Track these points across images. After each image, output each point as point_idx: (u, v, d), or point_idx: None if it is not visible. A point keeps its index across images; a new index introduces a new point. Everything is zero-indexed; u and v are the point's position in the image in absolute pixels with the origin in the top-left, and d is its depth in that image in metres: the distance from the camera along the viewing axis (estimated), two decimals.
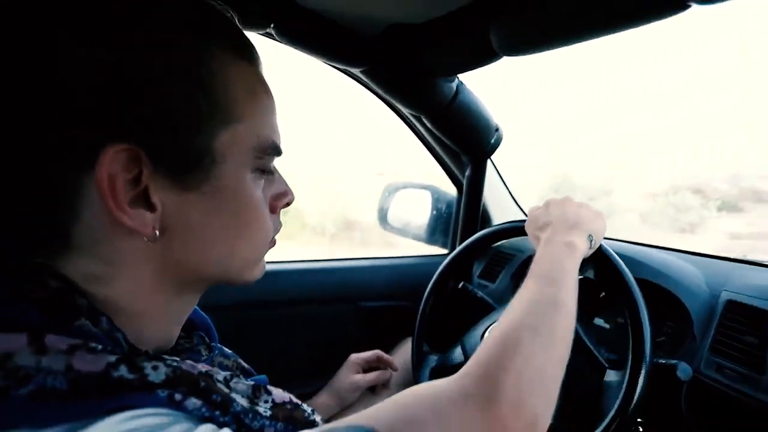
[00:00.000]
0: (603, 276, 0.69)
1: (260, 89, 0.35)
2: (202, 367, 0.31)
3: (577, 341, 0.72)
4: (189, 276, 0.35)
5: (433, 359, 0.81)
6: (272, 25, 0.64)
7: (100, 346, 0.27)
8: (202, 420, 0.28)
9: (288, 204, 0.41)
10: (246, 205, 0.35)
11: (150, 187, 0.30)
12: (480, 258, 1.11)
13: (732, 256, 0.86)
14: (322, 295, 1.07)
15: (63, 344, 0.26)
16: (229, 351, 0.46)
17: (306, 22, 0.64)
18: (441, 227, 1.21)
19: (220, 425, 0.28)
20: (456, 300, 0.90)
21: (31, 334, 0.26)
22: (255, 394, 0.34)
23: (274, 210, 0.39)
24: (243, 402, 0.31)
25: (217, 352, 0.43)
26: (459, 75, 0.80)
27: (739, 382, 0.64)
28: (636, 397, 0.59)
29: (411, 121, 0.96)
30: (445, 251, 1.22)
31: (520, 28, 0.56)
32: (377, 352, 0.79)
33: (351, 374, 0.75)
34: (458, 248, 0.86)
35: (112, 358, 0.27)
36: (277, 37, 0.66)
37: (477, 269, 1.12)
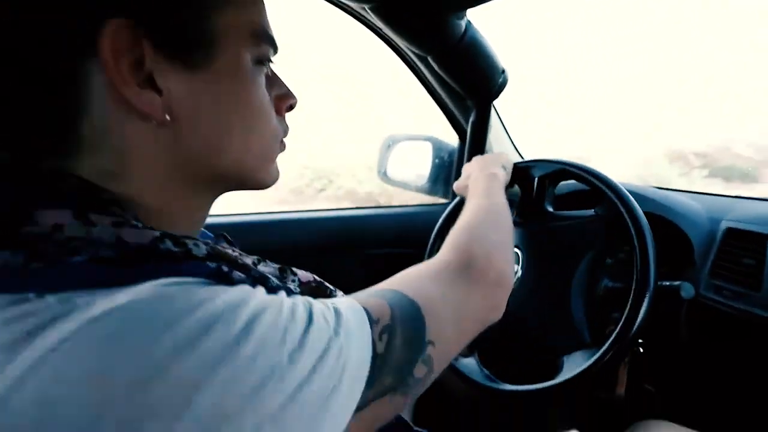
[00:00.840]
0: (610, 211, 0.71)
1: None
2: (232, 251, 0.34)
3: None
4: (203, 170, 0.35)
5: None
6: None
7: (140, 224, 0.28)
8: None
9: (291, 107, 0.42)
10: (251, 94, 0.35)
11: (155, 71, 0.30)
12: None
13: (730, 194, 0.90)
14: (329, 244, 1.09)
15: (107, 220, 0.26)
16: None
17: None
18: (442, 177, 1.23)
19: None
20: None
21: (75, 210, 0.26)
22: (282, 274, 0.37)
23: (279, 111, 0.40)
24: (275, 280, 0.33)
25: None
26: (469, 12, 0.79)
27: (736, 300, 0.69)
28: (639, 320, 0.62)
29: (416, 64, 0.94)
30: (446, 200, 1.24)
31: None
32: None
33: None
34: (458, 197, 0.89)
35: (157, 233, 0.27)
36: None
37: None
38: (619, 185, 0.68)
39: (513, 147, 1.18)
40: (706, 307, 0.72)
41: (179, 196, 0.34)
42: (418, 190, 1.27)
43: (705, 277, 0.74)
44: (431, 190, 1.25)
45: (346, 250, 1.11)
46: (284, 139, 0.42)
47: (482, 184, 0.67)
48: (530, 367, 0.74)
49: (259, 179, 0.39)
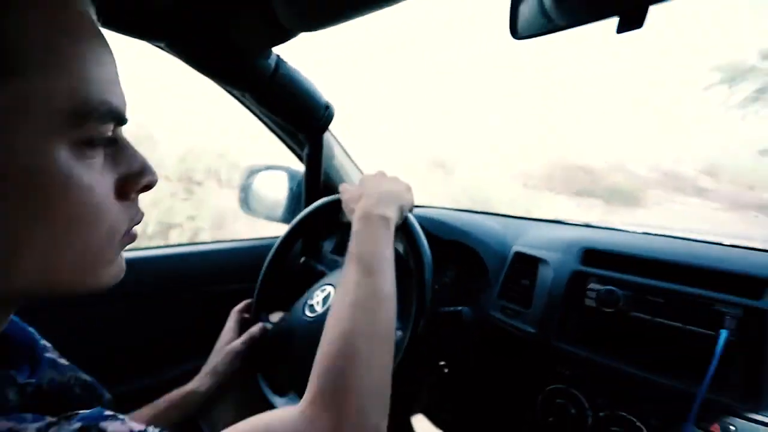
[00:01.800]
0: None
1: (76, 30, 0.27)
2: (4, 424, 0.26)
3: None
4: None
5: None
6: None
7: None
8: None
9: (148, 186, 0.33)
10: (62, 194, 0.26)
11: None
12: (330, 235, 1.16)
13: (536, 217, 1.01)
14: (167, 285, 1.01)
15: None
16: (66, 363, 0.40)
17: None
18: (296, 206, 1.23)
19: None
20: (303, 276, 0.93)
21: None
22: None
23: (125, 195, 0.32)
24: None
25: (46, 368, 0.36)
26: (275, 50, 0.81)
27: (513, 317, 0.76)
28: (412, 337, 0.63)
29: (242, 99, 0.95)
30: None
31: (300, 4, 0.58)
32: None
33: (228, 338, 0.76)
34: (285, 231, 0.89)
35: None
36: None
37: (330, 246, 1.17)
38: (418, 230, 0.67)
39: (357, 170, 1.22)
40: (493, 326, 0.79)
41: None
42: (276, 220, 1.26)
43: (494, 298, 0.81)
44: (288, 220, 1.25)
45: (184, 290, 1.03)
46: (136, 227, 0.34)
47: (369, 234, 0.53)
48: None
49: (88, 287, 0.30)
